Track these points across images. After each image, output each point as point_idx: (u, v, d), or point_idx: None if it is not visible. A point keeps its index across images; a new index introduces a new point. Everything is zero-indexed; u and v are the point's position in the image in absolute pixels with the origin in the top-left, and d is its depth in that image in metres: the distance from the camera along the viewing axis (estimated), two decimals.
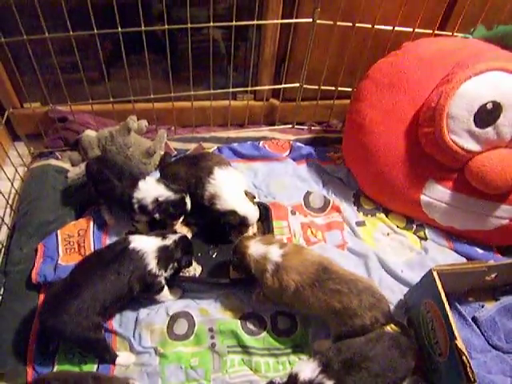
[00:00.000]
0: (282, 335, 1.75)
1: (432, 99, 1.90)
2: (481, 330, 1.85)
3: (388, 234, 2.10)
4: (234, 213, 1.88)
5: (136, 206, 1.85)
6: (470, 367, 1.48)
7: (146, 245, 1.71)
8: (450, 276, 1.69)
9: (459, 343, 1.53)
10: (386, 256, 2.00)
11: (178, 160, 2.16)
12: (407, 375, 1.56)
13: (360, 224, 2.12)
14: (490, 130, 1.84)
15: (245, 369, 1.67)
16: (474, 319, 1.87)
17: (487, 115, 1.83)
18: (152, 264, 1.69)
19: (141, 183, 1.87)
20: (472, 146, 1.88)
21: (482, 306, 1.92)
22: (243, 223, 1.90)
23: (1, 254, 1.92)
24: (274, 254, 1.68)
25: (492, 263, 1.79)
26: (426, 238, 2.10)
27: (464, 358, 1.50)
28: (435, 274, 1.68)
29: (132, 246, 1.69)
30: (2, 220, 1.96)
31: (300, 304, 1.67)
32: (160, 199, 1.85)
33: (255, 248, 1.71)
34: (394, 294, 1.89)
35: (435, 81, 1.94)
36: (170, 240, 1.76)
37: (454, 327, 1.54)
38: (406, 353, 1.54)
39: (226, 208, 1.88)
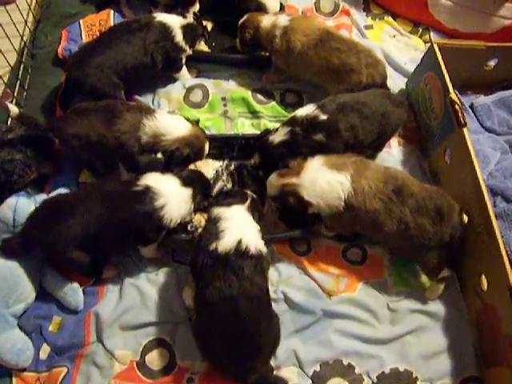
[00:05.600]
0: (289, 107, 1.77)
1: None
2: (476, 116, 1.84)
3: (394, 36, 2.04)
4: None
5: None
6: (462, 113, 1.47)
7: (172, 20, 1.69)
8: (449, 53, 1.63)
9: (453, 95, 1.52)
10: (391, 52, 1.95)
11: None
12: (399, 125, 1.59)
13: (368, 27, 2.05)
14: None
15: (254, 130, 1.71)
16: (471, 107, 1.85)
17: None
18: (179, 37, 1.67)
19: None
20: None
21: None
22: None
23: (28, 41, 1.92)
24: (282, 19, 1.66)
25: (491, 44, 1.71)
26: (430, 42, 2.04)
27: (456, 106, 1.50)
28: (435, 46, 1.64)
29: (158, 19, 1.67)
30: (30, 8, 1.94)
31: (304, 66, 1.66)
32: None
33: (267, 19, 1.69)
34: (396, 83, 1.87)
35: None
36: (190, 18, 1.75)
37: (448, 83, 1.53)
38: (397, 104, 1.55)
39: None
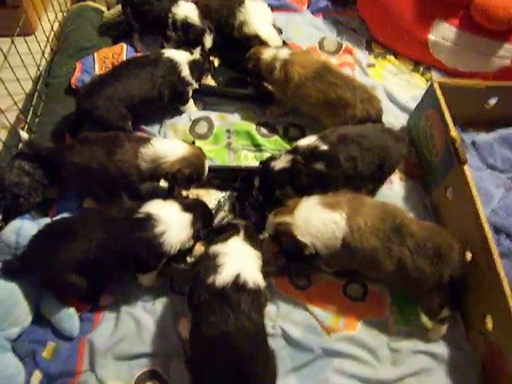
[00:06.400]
0: (292, 141, 1.77)
1: None
2: (478, 153, 1.83)
3: (396, 75, 2.07)
4: (257, 37, 1.88)
5: (170, 20, 1.89)
6: (462, 150, 1.47)
7: (179, 56, 1.75)
8: (450, 91, 1.64)
9: (453, 132, 1.52)
10: (393, 90, 1.98)
11: None
12: (399, 160, 1.58)
13: (370, 66, 2.09)
14: None
15: (257, 163, 1.68)
16: (473, 144, 1.85)
17: None
18: (185, 72, 1.73)
19: (181, 1, 1.92)
20: None
21: None
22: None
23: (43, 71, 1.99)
24: (284, 53, 1.72)
25: (490, 82, 1.75)
26: (431, 80, 2.05)
27: (457, 143, 1.49)
28: (436, 84, 1.66)
29: (166, 55, 1.73)
30: (47, 40, 2.02)
31: (301, 97, 1.69)
32: (188, 20, 1.88)
33: (268, 52, 1.75)
34: (398, 120, 1.89)
35: None
36: (197, 54, 1.82)
37: (448, 120, 1.54)
38: (397, 139, 1.56)
39: (251, 32, 1.89)
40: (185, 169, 1.40)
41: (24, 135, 1.50)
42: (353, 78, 1.73)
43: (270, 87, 1.81)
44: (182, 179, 1.40)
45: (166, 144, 1.45)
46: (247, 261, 1.22)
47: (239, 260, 1.20)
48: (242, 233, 1.28)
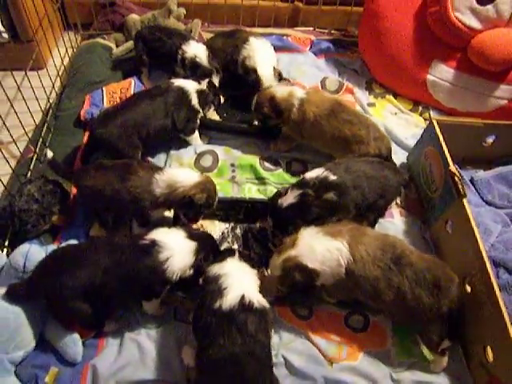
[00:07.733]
0: (294, 174, 1.92)
1: None
2: (476, 190, 1.98)
3: (396, 114, 2.26)
4: (254, 71, 2.06)
5: (179, 56, 2.09)
6: (461, 183, 1.60)
7: (188, 85, 1.93)
8: (448, 129, 1.81)
9: (452, 168, 1.67)
10: (392, 128, 2.15)
11: (214, 36, 2.34)
12: (398, 188, 1.70)
13: (370, 105, 2.28)
14: (490, 7, 2.02)
15: (260, 196, 1.84)
16: (471, 181, 2.00)
17: None
18: (194, 100, 1.91)
19: (192, 41, 2.13)
20: (474, 23, 2.05)
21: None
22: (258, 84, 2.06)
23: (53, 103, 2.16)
24: (299, 91, 1.88)
25: (489, 121, 1.91)
26: (430, 118, 2.23)
27: (456, 177, 1.64)
28: (435, 122, 1.83)
29: (176, 84, 1.91)
30: (58, 74, 2.21)
31: (316, 135, 1.84)
32: (196, 59, 2.08)
33: (281, 89, 1.91)
34: (398, 156, 2.04)
35: None
36: (204, 85, 2.01)
37: (447, 155, 1.69)
38: (396, 171, 1.71)
39: (252, 65, 2.07)
40: (202, 193, 1.55)
41: (49, 153, 1.66)
42: (366, 116, 1.90)
43: (280, 126, 1.94)
44: (198, 203, 1.53)
45: (181, 171, 1.62)
46: (248, 280, 1.32)
47: (241, 279, 1.30)
48: (236, 254, 1.39)
